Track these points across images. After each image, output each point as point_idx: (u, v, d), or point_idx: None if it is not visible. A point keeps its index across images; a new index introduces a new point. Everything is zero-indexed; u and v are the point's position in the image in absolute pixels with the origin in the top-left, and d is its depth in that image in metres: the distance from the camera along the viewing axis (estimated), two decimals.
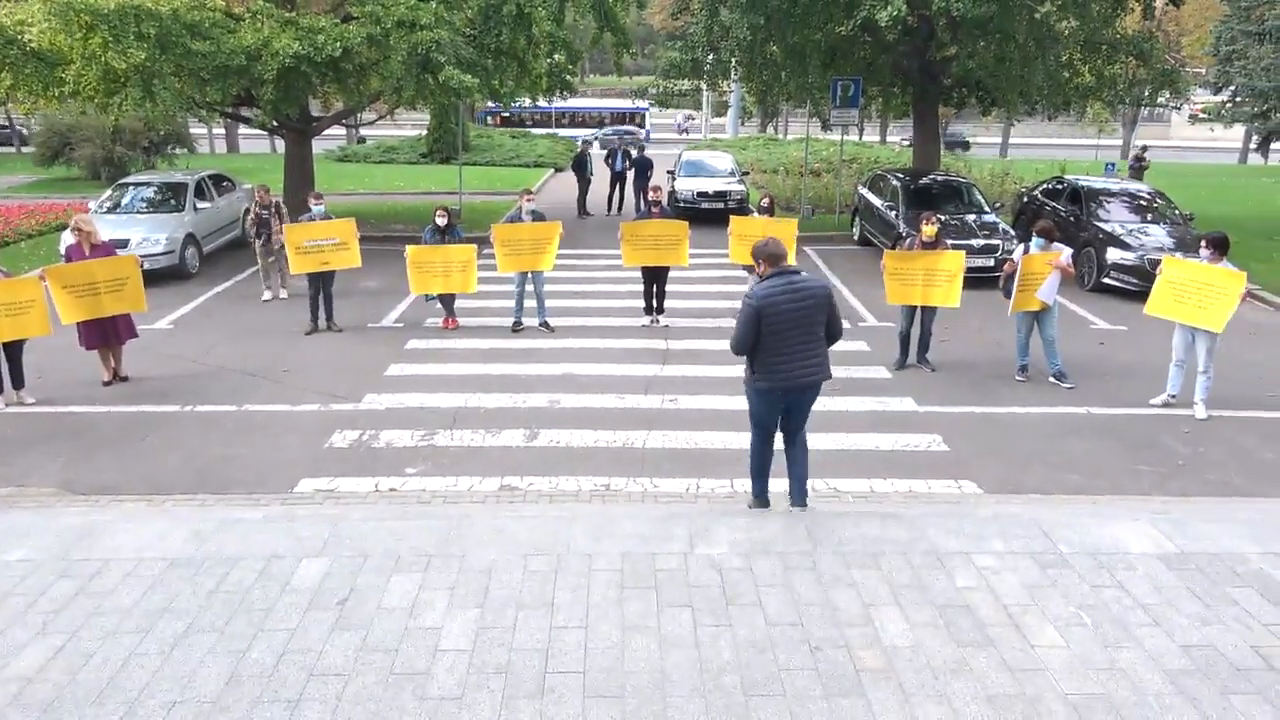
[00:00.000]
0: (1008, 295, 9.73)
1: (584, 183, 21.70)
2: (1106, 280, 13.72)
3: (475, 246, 11.71)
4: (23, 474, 7.47)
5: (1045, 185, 17.36)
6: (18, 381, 9.16)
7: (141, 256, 11.05)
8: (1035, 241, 9.70)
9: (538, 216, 11.91)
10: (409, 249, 11.41)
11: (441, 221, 11.58)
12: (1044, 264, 9.48)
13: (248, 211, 14.94)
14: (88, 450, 7.96)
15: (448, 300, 11.83)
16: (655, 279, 11.97)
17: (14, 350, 9.07)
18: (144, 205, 15.47)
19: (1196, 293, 8.69)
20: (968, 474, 7.55)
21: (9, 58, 14.02)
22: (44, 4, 12.99)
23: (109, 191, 16.15)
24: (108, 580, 5.58)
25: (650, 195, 12.45)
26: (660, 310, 12.10)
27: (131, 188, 16.06)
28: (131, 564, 5.77)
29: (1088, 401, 9.21)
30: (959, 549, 5.96)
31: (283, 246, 12.83)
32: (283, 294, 13.38)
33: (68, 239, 10.99)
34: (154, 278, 12.89)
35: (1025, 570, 5.70)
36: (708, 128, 50.84)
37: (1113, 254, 13.70)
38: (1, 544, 6.02)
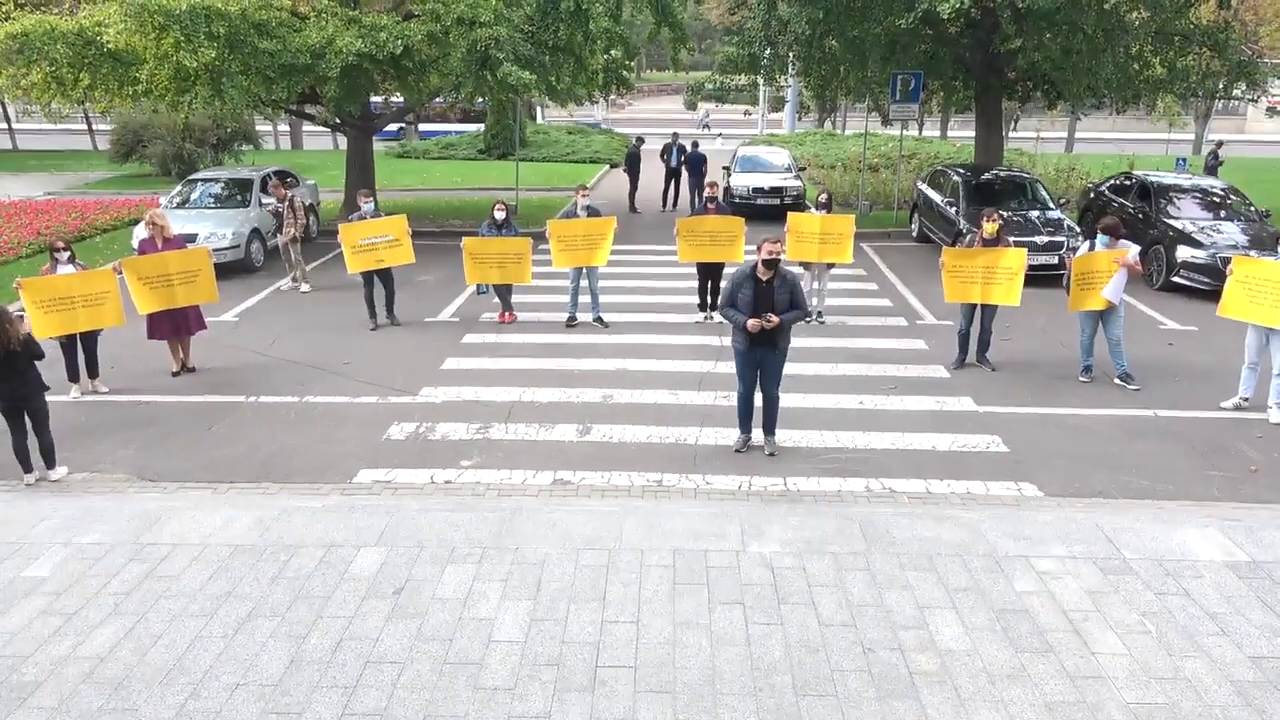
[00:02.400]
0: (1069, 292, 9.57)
1: (635, 178, 21.72)
2: (1176, 279, 13.29)
3: (530, 239, 11.80)
4: (96, 460, 7.76)
5: (1113, 181, 16.87)
6: (93, 370, 9.48)
7: (212, 250, 11.35)
8: (1100, 239, 9.50)
9: (593, 212, 11.95)
10: (465, 240, 11.59)
11: (500, 216, 11.71)
12: (1107, 261, 9.25)
13: (310, 207, 15.27)
14: (157, 438, 8.23)
15: (504, 294, 11.95)
16: (711, 275, 11.95)
17: (90, 340, 9.39)
18: (211, 201, 15.92)
19: (1272, 292, 8.40)
20: (1028, 476, 7.39)
21: (87, 58, 14.53)
22: (120, 5, 13.42)
23: (178, 187, 16.64)
24: (175, 564, 5.77)
25: (707, 191, 12.42)
26: (715, 306, 12.06)
27: (200, 184, 16.52)
28: (198, 549, 5.95)
29: (1155, 404, 8.94)
30: (1018, 552, 5.84)
31: (294, 239, 13.61)
32: (304, 287, 13.83)
33: (141, 233, 11.38)
34: (220, 271, 13.19)
35: (1087, 576, 5.56)
36: (764, 123, 50.47)
37: (1183, 252, 13.27)
38: (77, 527, 6.26)
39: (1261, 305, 8.50)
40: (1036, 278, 13.92)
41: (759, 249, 7.39)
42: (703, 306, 12.15)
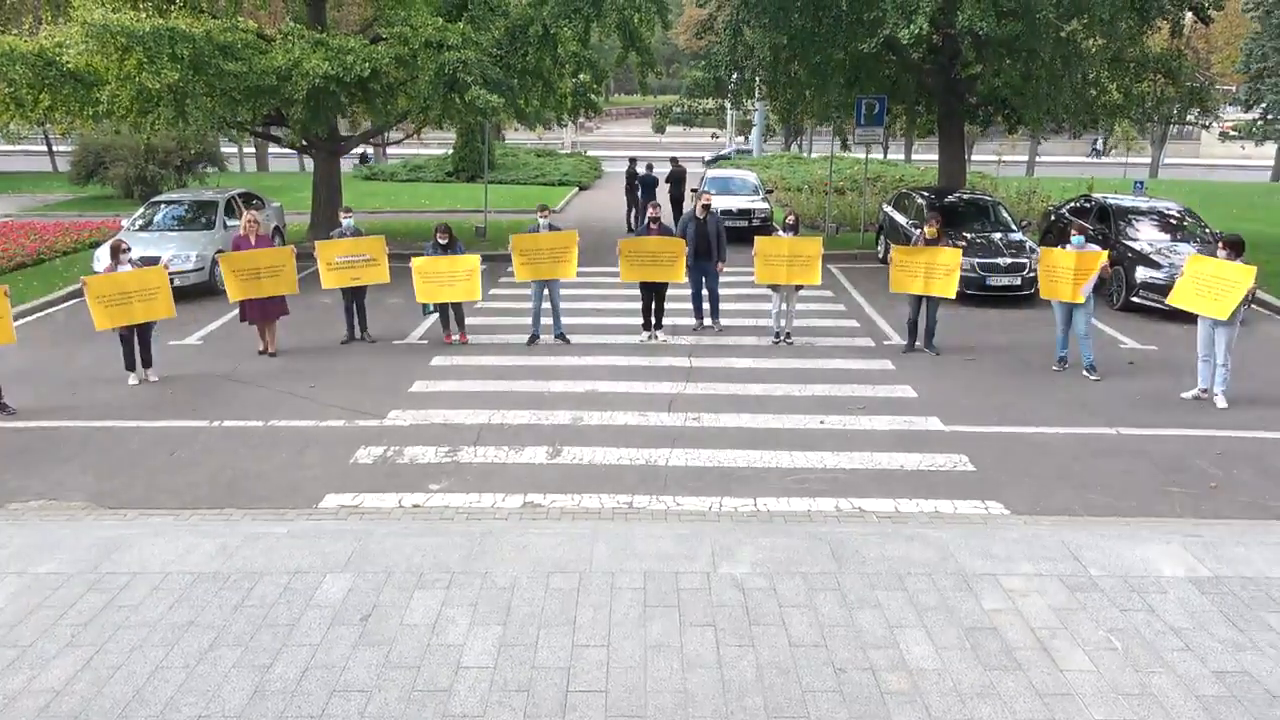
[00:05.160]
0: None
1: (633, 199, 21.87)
2: (1135, 299, 13.56)
3: (479, 257, 11.91)
4: (53, 487, 7.58)
5: (1073, 203, 17.22)
6: (147, 360, 10.31)
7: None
8: (1075, 239, 10.63)
9: (554, 229, 12.05)
10: (415, 260, 11.61)
11: (443, 240, 11.76)
12: (1073, 258, 10.37)
13: (277, 230, 15.08)
14: (117, 464, 8.06)
15: (459, 314, 11.91)
16: (654, 294, 12.06)
17: (145, 333, 10.27)
18: (175, 223, 15.71)
19: (1213, 286, 9.44)
20: (995, 494, 7.46)
21: (48, 79, 14.34)
22: (82, 26, 13.28)
23: (141, 209, 16.41)
24: (135, 593, 5.64)
25: (650, 212, 12.53)
26: (659, 325, 12.17)
27: (164, 206, 16.31)
28: (159, 577, 5.82)
29: (1117, 422, 9.09)
30: (986, 571, 5.89)
31: None
32: None
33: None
34: (184, 294, 13.08)
35: (1054, 593, 5.62)
36: (732, 146, 50.99)
37: (1142, 273, 13.54)
38: (33, 556, 6.10)
39: (1204, 298, 9.51)
40: (1000, 299, 14.21)
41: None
42: (646, 326, 12.25)
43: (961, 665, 4.88)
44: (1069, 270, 10.36)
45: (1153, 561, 5.98)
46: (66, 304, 14.21)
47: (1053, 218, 17.52)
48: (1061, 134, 23.62)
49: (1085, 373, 10.49)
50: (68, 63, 13.73)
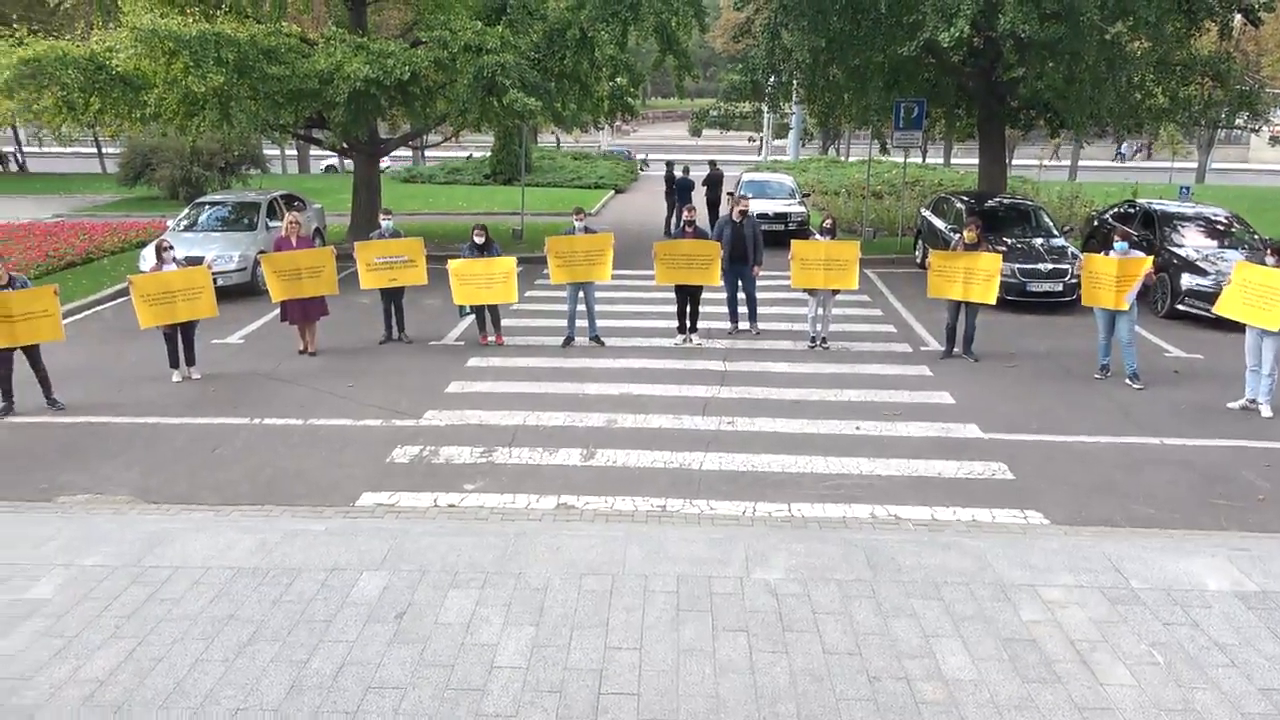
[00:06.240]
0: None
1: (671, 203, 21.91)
2: (1180, 307, 13.30)
3: (515, 259, 11.95)
4: (99, 481, 7.74)
5: (1117, 208, 16.93)
6: (190, 359, 10.56)
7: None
8: (1119, 245, 10.40)
9: (589, 232, 12.11)
10: (451, 263, 11.69)
11: (479, 240, 11.84)
12: (1116, 265, 10.16)
13: (318, 231, 15.29)
14: (161, 460, 8.22)
15: (495, 316, 12.00)
16: (689, 297, 12.04)
17: (188, 331, 10.52)
18: (219, 224, 15.99)
19: (1262, 294, 9.25)
20: (1034, 503, 7.35)
21: (98, 82, 14.68)
22: (131, 31, 13.58)
23: (186, 210, 16.73)
24: (177, 587, 5.74)
25: (685, 215, 12.52)
26: (694, 329, 12.15)
27: (207, 207, 16.61)
28: (200, 572, 5.93)
29: (1161, 432, 8.91)
30: (1025, 581, 5.80)
31: None
32: None
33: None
34: (226, 294, 13.30)
35: (1095, 605, 5.52)
36: (769, 149, 50.79)
37: (1187, 280, 13.28)
38: (80, 548, 6.24)
39: (1253, 306, 9.34)
40: (1041, 305, 14.00)
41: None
42: (681, 329, 12.22)
43: (999, 677, 4.81)
44: (1112, 277, 10.18)
45: (1197, 575, 5.85)
46: (113, 302, 14.53)
47: (1096, 223, 17.24)
48: (1105, 138, 23.20)
49: (1128, 381, 10.28)
50: (117, 66, 14.04)
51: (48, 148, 42.29)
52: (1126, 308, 10.14)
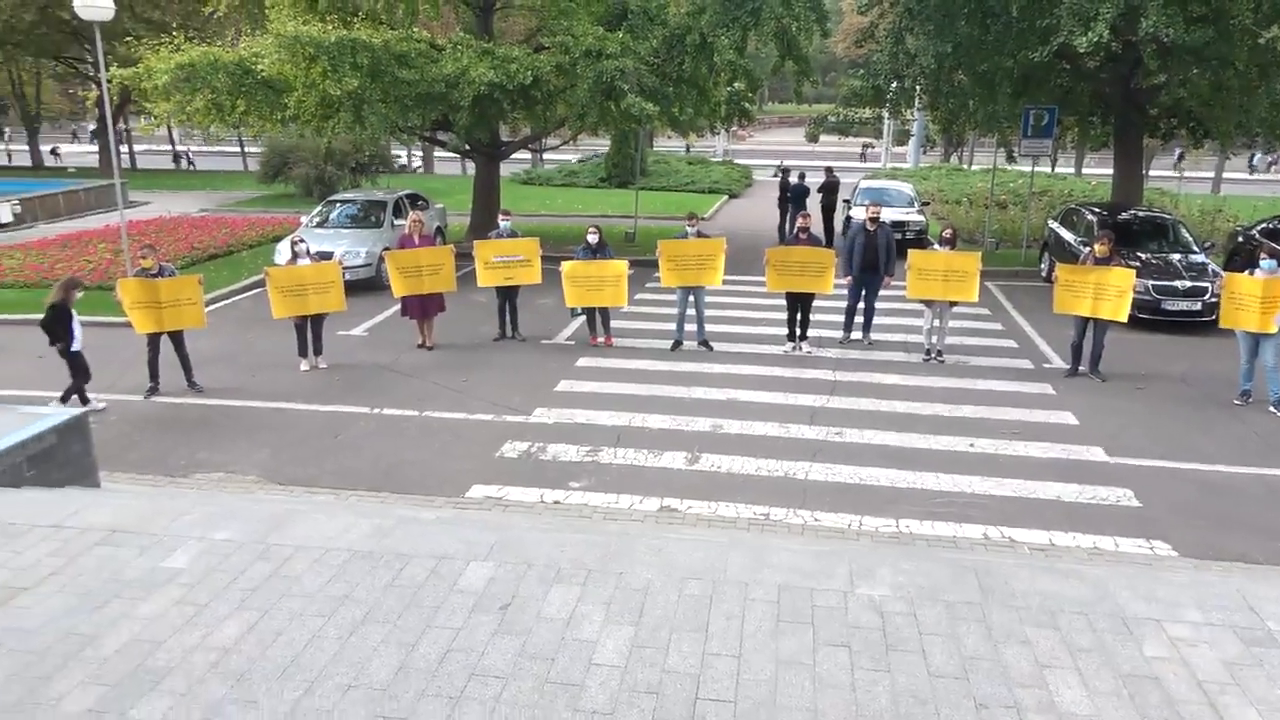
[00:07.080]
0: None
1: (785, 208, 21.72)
2: None
3: (628, 262, 12.06)
4: (232, 460, 8.22)
5: (1264, 224, 15.83)
6: (318, 349, 11.11)
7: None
8: (1265, 263, 9.84)
9: (702, 236, 12.11)
10: (565, 265, 11.87)
11: (593, 239, 11.99)
12: (1251, 284, 9.72)
13: (439, 230, 15.78)
14: (288, 444, 8.66)
15: (605, 317, 12.13)
16: (800, 305, 11.85)
17: (318, 323, 11.03)
18: (348, 221, 16.75)
19: (1250, 302, 9.49)
20: (1161, 534, 6.95)
21: (244, 86, 15.59)
22: (275, 38, 14.36)
23: (319, 207, 17.58)
24: (298, 565, 6.02)
25: (799, 222, 12.35)
26: (804, 337, 11.95)
27: (338, 204, 17.42)
28: (319, 552, 6.20)
29: None
30: (1148, 615, 5.48)
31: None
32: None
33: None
34: (353, 288, 13.90)
35: (1226, 645, 5.17)
36: (889, 156, 49.70)
37: None
38: (213, 524, 6.63)
39: (1245, 311, 9.67)
40: (1176, 324, 13.22)
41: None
42: (791, 336, 12.05)
43: (1117, 714, 4.56)
44: (1256, 297, 9.58)
45: None
46: (250, 293, 15.39)
47: (1240, 239, 16.18)
48: (1254, 149, 21.71)
49: (1272, 409, 9.64)
50: (262, 71, 14.87)
51: (203, 147, 45.19)
52: (1274, 330, 9.50)
